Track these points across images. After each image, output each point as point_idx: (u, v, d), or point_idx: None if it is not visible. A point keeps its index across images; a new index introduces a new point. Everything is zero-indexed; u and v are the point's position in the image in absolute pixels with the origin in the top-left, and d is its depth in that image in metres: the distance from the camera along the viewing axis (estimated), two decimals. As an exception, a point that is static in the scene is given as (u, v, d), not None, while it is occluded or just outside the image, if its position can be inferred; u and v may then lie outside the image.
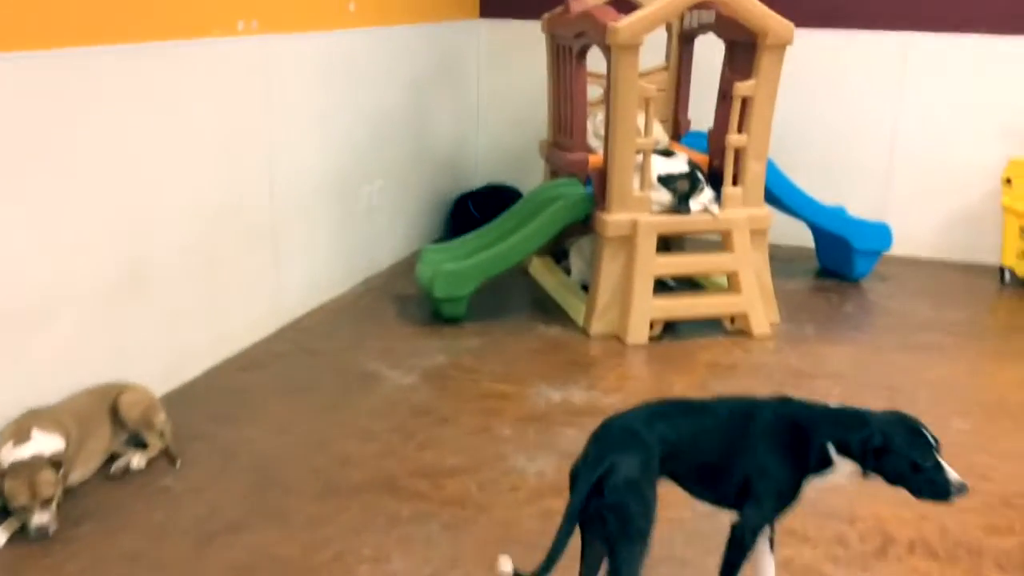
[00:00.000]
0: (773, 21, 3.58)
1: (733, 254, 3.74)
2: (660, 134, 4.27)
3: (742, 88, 3.68)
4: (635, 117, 3.61)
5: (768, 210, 3.83)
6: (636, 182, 3.70)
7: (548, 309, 4.03)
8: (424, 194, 4.86)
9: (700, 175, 3.78)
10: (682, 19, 4.38)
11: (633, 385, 3.30)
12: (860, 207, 4.76)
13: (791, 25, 3.59)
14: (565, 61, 4.11)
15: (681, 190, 3.68)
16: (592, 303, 3.76)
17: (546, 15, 4.27)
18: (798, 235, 4.64)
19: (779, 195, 4.28)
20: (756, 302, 3.77)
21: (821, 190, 4.72)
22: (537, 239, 3.82)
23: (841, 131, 4.88)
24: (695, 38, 4.39)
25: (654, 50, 4.52)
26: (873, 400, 3.12)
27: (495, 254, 3.79)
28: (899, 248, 4.72)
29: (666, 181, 3.70)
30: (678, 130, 4.50)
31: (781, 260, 4.74)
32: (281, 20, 3.54)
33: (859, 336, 3.80)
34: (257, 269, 3.55)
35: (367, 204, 4.27)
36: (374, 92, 4.28)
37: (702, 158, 4.07)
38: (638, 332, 3.66)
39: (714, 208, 3.73)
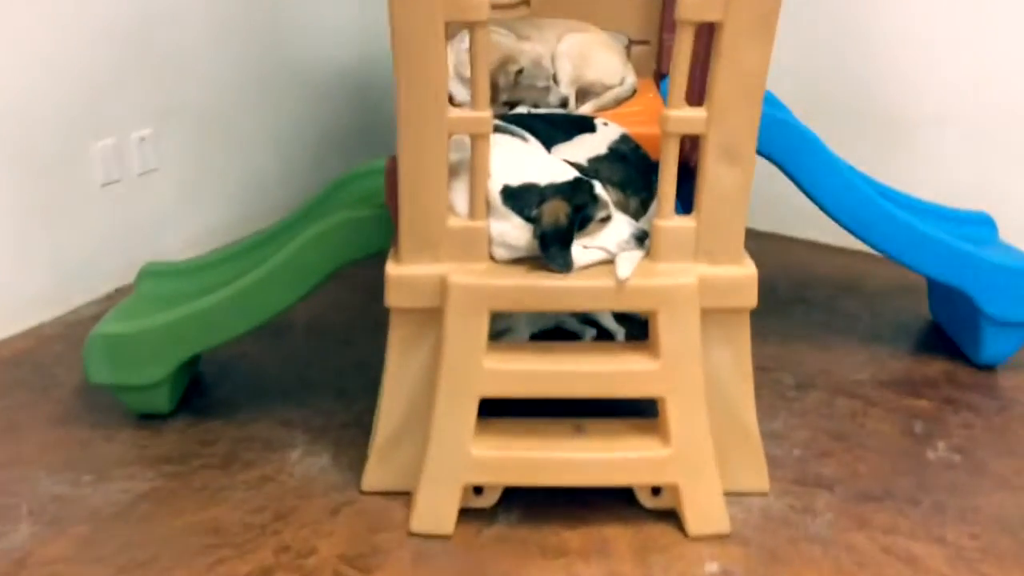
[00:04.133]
0: None
1: (659, 362, 1.76)
2: (607, 71, 2.24)
3: (690, 6, 1.61)
4: (440, 61, 1.65)
5: (751, 268, 1.79)
6: (460, 198, 1.76)
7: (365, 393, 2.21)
8: (277, 132, 3.03)
9: (603, 187, 1.78)
10: None
11: None
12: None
13: None
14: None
15: (550, 221, 1.71)
16: (374, 431, 1.90)
17: None
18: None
19: (822, 198, 2.20)
20: (702, 463, 1.79)
21: (948, 182, 2.59)
22: (282, 289, 1.96)
23: (982, 66, 2.64)
24: None
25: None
26: None
27: (205, 311, 1.97)
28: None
29: (518, 198, 1.73)
30: (661, 63, 2.43)
31: (874, 290, 2.68)
32: None
33: (940, 552, 1.76)
34: None
35: (109, 169, 2.53)
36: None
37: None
38: (434, 512, 1.79)
39: (625, 262, 1.74)
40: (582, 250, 1.75)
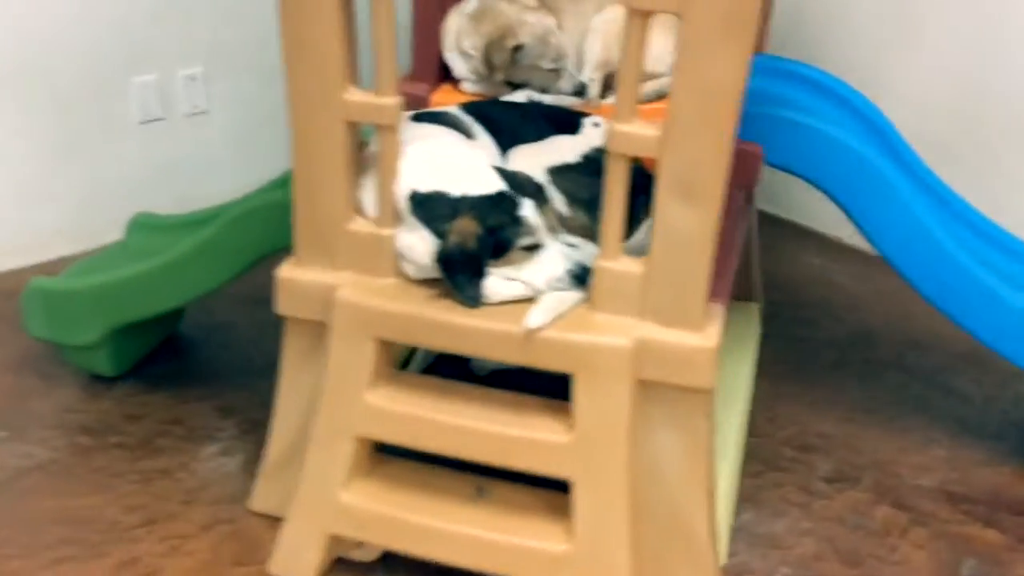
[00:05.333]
0: None
1: (572, 435, 1.40)
2: (650, 56, 1.81)
3: (629, -15, 1.21)
4: (337, 31, 1.34)
5: (710, 338, 1.36)
6: (369, 197, 1.46)
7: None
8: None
9: (552, 205, 1.43)
10: None
11: None
12: None
13: None
14: None
15: (455, 241, 1.37)
16: (269, 444, 1.67)
17: None
18: None
19: (888, 250, 1.71)
20: (612, 569, 1.41)
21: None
22: (203, 271, 1.75)
23: None
24: None
25: None
26: None
27: (129, 281, 1.80)
28: None
29: (427, 207, 1.40)
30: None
31: (1002, 367, 2.14)
32: None
33: None
34: None
35: (149, 107, 2.42)
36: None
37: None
38: (296, 556, 1.54)
39: (543, 307, 1.38)
40: (503, 282, 1.41)
